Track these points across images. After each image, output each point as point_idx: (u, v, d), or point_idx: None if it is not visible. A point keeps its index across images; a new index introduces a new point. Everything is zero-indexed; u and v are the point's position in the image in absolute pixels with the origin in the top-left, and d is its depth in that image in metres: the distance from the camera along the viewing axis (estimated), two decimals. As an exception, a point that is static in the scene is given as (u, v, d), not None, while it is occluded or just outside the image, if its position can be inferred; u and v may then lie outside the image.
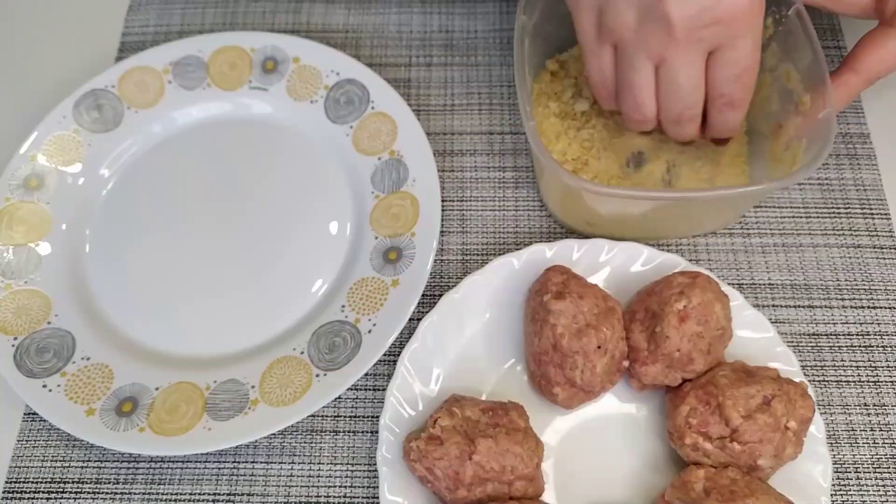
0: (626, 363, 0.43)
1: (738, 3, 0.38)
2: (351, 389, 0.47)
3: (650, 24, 0.39)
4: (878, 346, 0.47)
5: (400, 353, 0.46)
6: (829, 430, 0.45)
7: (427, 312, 0.46)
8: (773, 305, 0.49)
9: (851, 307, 0.49)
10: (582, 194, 0.45)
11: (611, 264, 0.47)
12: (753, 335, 0.45)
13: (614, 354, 0.42)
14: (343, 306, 0.47)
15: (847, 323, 0.48)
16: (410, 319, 0.48)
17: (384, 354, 0.46)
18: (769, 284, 0.49)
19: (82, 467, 0.46)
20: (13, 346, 0.47)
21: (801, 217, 0.51)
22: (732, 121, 0.43)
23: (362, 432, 0.46)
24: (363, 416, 0.46)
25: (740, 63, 0.40)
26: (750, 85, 0.42)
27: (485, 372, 0.46)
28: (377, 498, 0.43)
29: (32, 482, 0.45)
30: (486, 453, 0.39)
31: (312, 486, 0.45)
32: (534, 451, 0.40)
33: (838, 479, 0.44)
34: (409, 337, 0.47)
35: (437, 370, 0.45)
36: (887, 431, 0.45)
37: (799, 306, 0.49)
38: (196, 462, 0.45)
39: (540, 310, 0.42)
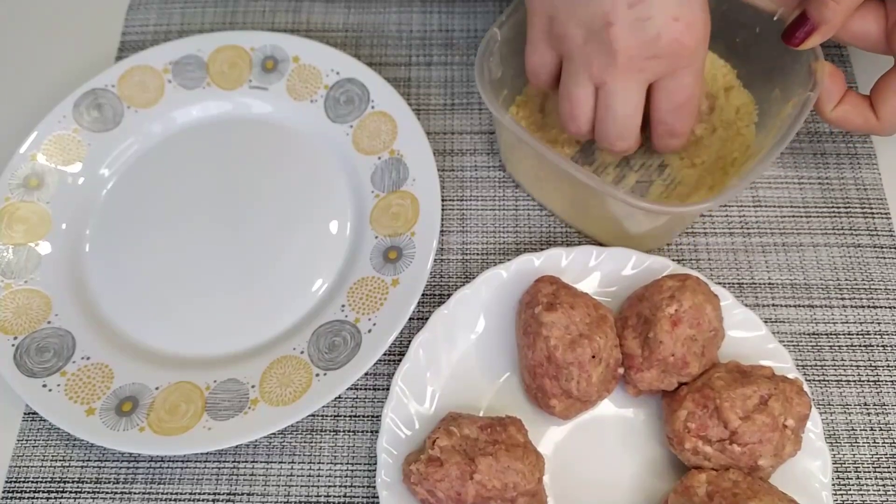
0: (621, 370, 0.43)
1: (681, 39, 0.39)
2: (351, 389, 0.47)
3: (595, 46, 0.40)
4: (878, 346, 0.47)
5: (400, 352, 0.46)
6: (829, 430, 0.45)
7: (426, 313, 0.45)
8: (773, 305, 0.49)
9: (851, 307, 0.49)
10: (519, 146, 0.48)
11: (600, 269, 0.47)
12: (745, 334, 0.45)
13: (609, 363, 0.42)
14: (343, 306, 0.47)
15: (847, 323, 0.48)
16: (410, 319, 0.48)
17: (384, 354, 0.46)
18: (769, 284, 0.49)
19: (82, 467, 0.46)
20: (13, 345, 0.47)
21: (801, 217, 0.51)
22: (673, 146, 0.46)
23: (362, 432, 0.46)
24: (363, 416, 0.46)
25: (681, 93, 0.42)
26: (691, 114, 0.43)
27: (480, 387, 0.45)
28: (377, 498, 0.43)
29: (32, 482, 0.45)
30: (487, 472, 0.38)
31: (312, 486, 0.45)
32: (535, 465, 0.40)
33: (838, 478, 0.44)
34: (410, 336, 0.47)
35: (431, 388, 0.44)
36: (887, 431, 0.45)
37: (799, 306, 0.49)
38: (196, 462, 0.45)
39: (532, 322, 0.42)
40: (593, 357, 0.41)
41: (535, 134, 0.51)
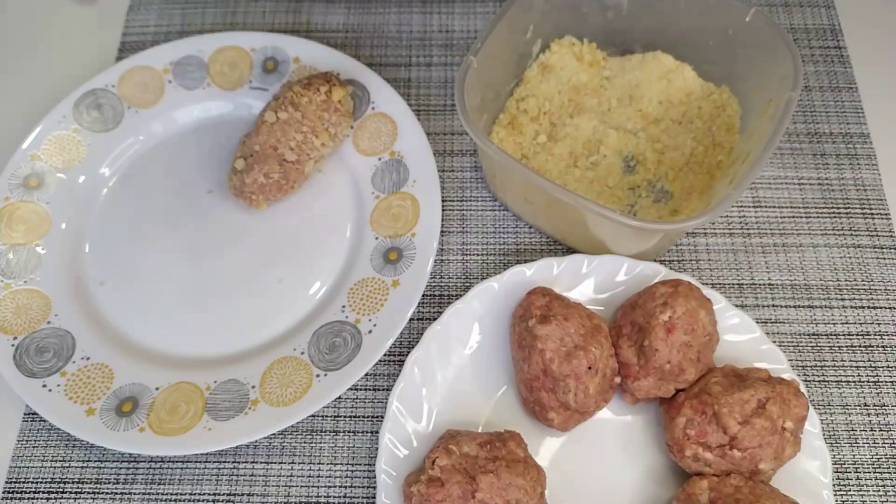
0: (617, 380, 0.43)
1: None
2: (351, 389, 0.47)
3: None
4: (878, 346, 0.47)
5: (400, 353, 0.46)
6: (829, 430, 0.45)
7: (426, 313, 0.45)
8: (773, 306, 0.49)
9: (851, 307, 0.49)
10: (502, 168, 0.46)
11: (592, 277, 0.46)
12: (739, 337, 0.45)
13: (605, 373, 0.42)
14: (343, 306, 0.47)
15: (847, 323, 0.48)
16: (411, 320, 0.48)
17: (384, 355, 0.46)
18: (769, 284, 0.49)
19: (82, 467, 0.46)
20: (13, 345, 0.47)
21: (801, 217, 0.51)
22: None
23: (362, 432, 0.46)
24: (363, 417, 0.46)
25: None
26: None
27: (478, 402, 0.45)
28: (375, 500, 0.43)
29: (32, 482, 0.45)
30: (488, 490, 0.38)
31: (312, 486, 0.45)
32: (536, 480, 0.39)
33: (838, 478, 0.44)
34: (411, 336, 0.47)
35: (428, 406, 0.44)
36: (887, 431, 0.45)
37: (799, 306, 0.49)
38: (196, 462, 0.45)
39: (526, 335, 0.42)
40: (589, 368, 0.41)
41: (521, 160, 0.50)
